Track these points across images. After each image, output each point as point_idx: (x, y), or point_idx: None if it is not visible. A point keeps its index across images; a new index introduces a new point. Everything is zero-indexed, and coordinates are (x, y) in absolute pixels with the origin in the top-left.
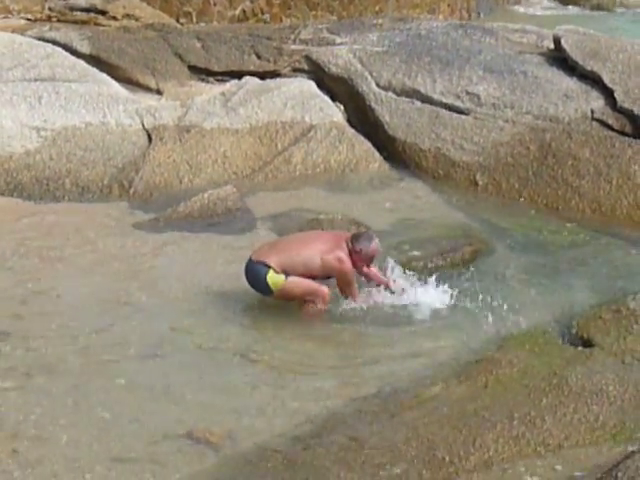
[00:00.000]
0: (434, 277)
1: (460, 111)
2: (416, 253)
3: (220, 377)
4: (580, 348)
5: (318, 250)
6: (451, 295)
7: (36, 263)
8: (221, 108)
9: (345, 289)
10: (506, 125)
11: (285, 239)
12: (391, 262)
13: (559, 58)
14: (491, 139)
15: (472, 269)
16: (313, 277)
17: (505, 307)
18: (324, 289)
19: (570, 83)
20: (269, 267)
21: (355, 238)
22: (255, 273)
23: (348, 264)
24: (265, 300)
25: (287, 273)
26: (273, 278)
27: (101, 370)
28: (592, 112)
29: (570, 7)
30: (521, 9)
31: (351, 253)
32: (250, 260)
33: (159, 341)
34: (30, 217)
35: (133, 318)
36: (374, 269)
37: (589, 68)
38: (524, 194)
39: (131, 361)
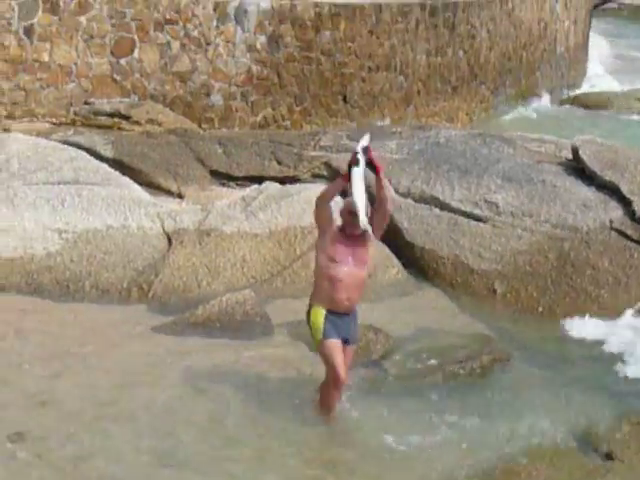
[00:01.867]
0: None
1: (479, 219)
2: (434, 362)
3: None
4: (600, 461)
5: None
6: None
7: (55, 365)
8: (241, 212)
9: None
10: (525, 234)
11: None
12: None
13: (577, 168)
14: (509, 247)
15: (490, 379)
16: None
17: (524, 418)
18: (342, 376)
19: (588, 193)
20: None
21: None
22: None
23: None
24: (285, 407)
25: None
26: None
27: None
28: (611, 222)
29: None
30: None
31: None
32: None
33: (176, 446)
34: (49, 319)
35: (148, 422)
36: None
37: (607, 178)
38: (542, 303)
39: (144, 467)
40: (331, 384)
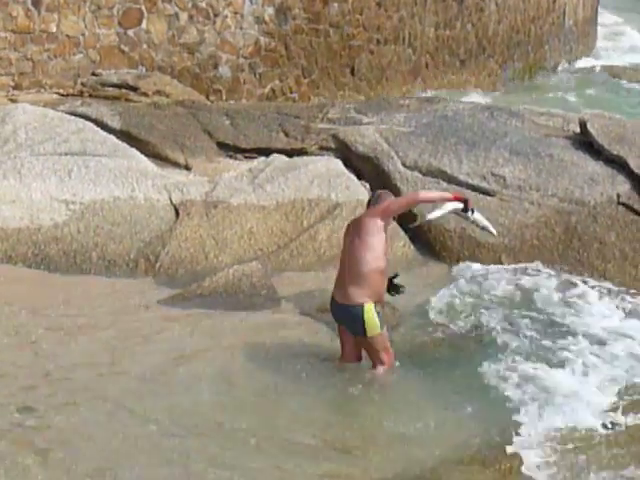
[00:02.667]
0: None
1: (486, 192)
2: (440, 335)
3: (237, 460)
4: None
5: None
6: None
7: (60, 336)
8: (248, 185)
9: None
10: (532, 207)
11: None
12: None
13: (585, 142)
14: (517, 221)
15: (497, 350)
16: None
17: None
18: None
19: (596, 167)
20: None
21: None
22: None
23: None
24: (288, 377)
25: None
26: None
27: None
28: (618, 196)
29: None
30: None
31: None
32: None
33: (183, 419)
34: (56, 290)
35: (155, 393)
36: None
37: (615, 152)
38: None
39: (153, 437)
40: (385, 367)
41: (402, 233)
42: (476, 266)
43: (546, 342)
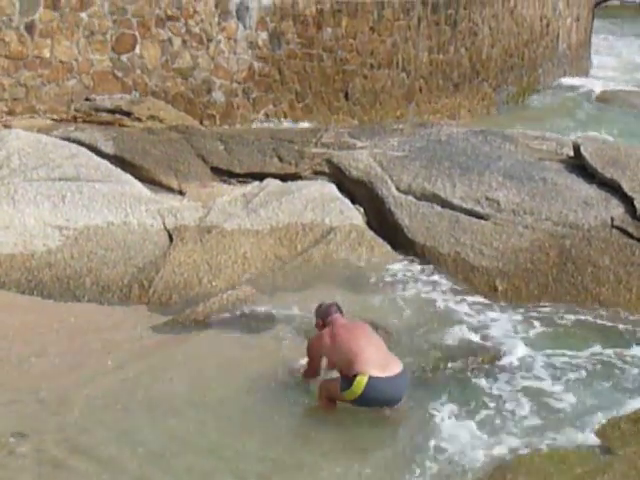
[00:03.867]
0: None
1: (480, 216)
2: (434, 358)
3: None
4: (600, 458)
5: None
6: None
7: (55, 364)
8: (242, 209)
9: None
10: (526, 231)
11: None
12: None
13: (578, 165)
14: (510, 245)
15: (492, 375)
16: None
17: (523, 413)
18: None
19: (590, 190)
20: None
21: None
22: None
23: None
24: (285, 398)
25: None
26: None
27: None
28: (612, 220)
29: None
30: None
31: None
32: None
33: (172, 443)
34: (49, 316)
35: (147, 420)
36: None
37: (609, 176)
38: (544, 300)
39: (138, 459)
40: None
41: (397, 257)
42: None
43: None
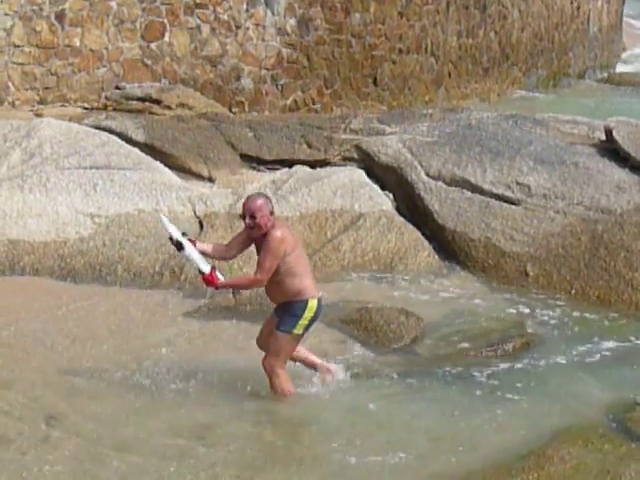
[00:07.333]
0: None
1: (510, 201)
2: (465, 345)
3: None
4: (634, 444)
5: None
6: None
7: (87, 349)
8: (272, 196)
9: None
10: (557, 216)
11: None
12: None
13: (611, 149)
14: (542, 230)
15: (522, 362)
16: None
17: (556, 401)
18: None
19: (622, 174)
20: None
21: None
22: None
23: None
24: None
25: None
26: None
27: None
28: None
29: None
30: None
31: None
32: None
33: (208, 432)
34: (82, 302)
35: (181, 405)
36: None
37: None
38: (575, 286)
39: (178, 448)
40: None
41: (426, 243)
42: None
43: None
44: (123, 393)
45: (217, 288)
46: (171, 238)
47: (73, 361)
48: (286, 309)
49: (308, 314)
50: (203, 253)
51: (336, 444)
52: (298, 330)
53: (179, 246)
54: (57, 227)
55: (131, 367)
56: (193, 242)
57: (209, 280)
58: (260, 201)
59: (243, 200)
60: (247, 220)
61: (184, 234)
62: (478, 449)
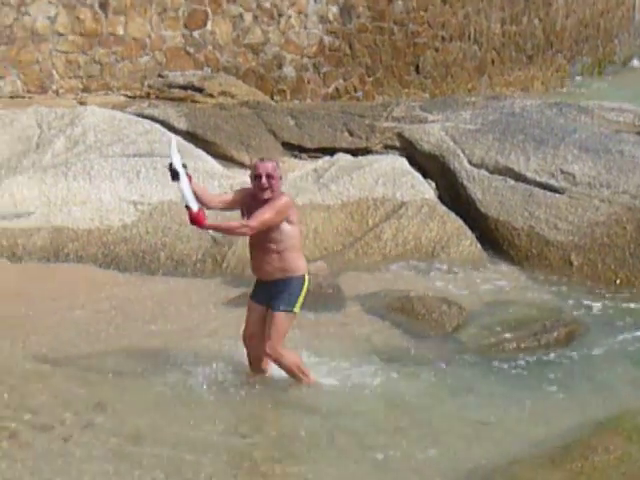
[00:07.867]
0: None
1: (554, 190)
2: (508, 335)
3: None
4: None
5: None
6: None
7: (129, 335)
8: (313, 184)
9: None
10: (602, 205)
11: None
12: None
13: None
14: (586, 219)
15: (566, 351)
16: None
17: (600, 392)
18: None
19: None
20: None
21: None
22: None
23: None
24: (355, 375)
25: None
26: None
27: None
28: None
29: None
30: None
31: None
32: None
33: (247, 424)
34: (125, 289)
35: (221, 396)
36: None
37: None
38: (620, 275)
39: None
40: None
41: (469, 232)
42: None
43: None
44: (166, 382)
45: (202, 227)
46: (171, 164)
47: (116, 349)
48: (285, 286)
49: (304, 291)
50: (194, 193)
51: (377, 435)
52: (297, 308)
53: (175, 175)
54: (101, 214)
55: (173, 356)
56: (190, 178)
57: (196, 218)
58: (274, 163)
59: (255, 161)
60: (262, 180)
61: (184, 166)
62: (521, 439)
